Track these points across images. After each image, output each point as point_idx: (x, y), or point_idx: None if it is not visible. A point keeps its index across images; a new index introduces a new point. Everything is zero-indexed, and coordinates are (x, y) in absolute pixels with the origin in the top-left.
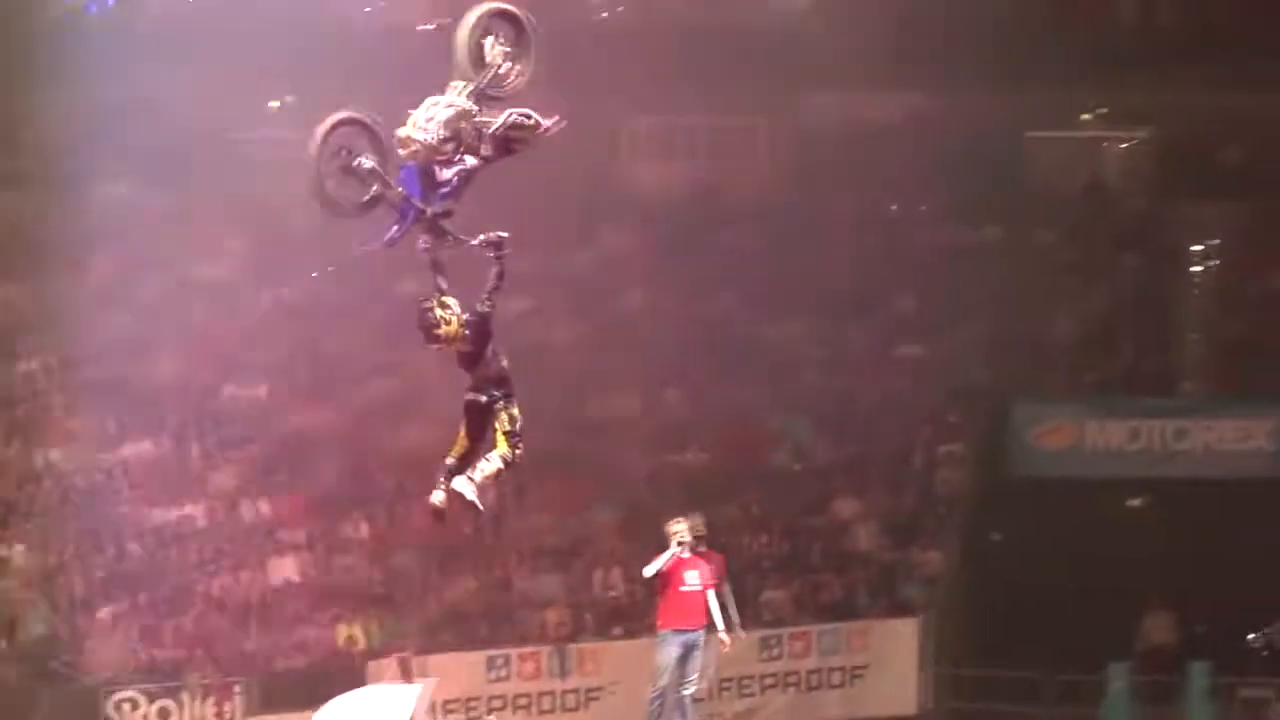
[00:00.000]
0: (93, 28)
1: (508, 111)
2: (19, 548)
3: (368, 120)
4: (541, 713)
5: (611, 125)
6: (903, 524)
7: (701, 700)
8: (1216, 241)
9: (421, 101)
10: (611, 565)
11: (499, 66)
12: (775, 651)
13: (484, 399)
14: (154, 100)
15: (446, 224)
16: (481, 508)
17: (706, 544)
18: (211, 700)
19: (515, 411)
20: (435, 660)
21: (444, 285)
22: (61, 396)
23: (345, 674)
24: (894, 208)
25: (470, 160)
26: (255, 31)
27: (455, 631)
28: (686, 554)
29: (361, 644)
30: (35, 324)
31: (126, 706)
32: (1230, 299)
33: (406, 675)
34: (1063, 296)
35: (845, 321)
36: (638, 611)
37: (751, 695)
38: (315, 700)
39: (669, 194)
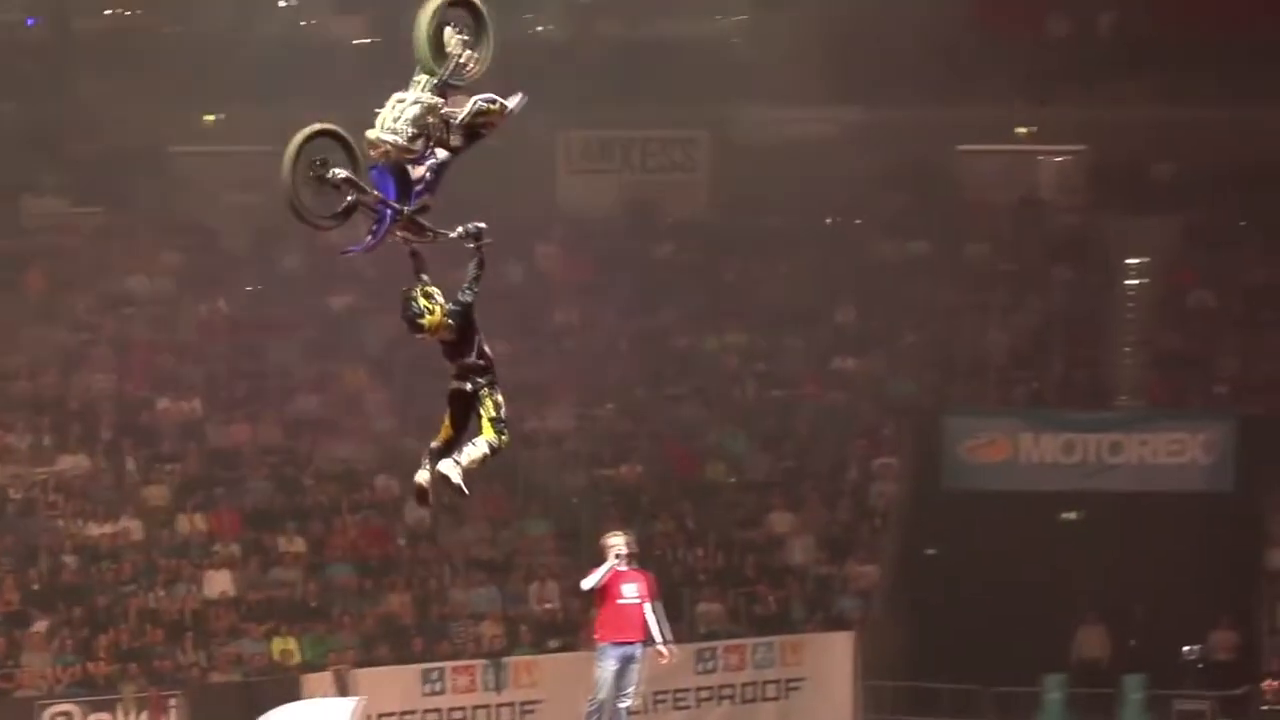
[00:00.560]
0: (26, 43)
1: (473, 100)
2: None
3: (340, 131)
4: None
5: (547, 139)
6: (838, 538)
7: (635, 713)
8: (1149, 256)
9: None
10: (546, 578)
11: (459, 56)
12: (710, 664)
13: (468, 387)
14: (87, 115)
15: (423, 219)
16: (467, 491)
17: (637, 563)
18: (146, 713)
19: (499, 398)
20: (370, 674)
21: (426, 276)
22: None
23: (279, 687)
24: (829, 221)
25: (441, 153)
26: (189, 47)
27: (390, 645)
28: (624, 566)
29: (296, 657)
30: None
31: None
32: (1164, 312)
33: (341, 689)
34: (996, 310)
35: (781, 335)
36: (573, 624)
37: (687, 708)
38: (249, 714)
39: (605, 208)
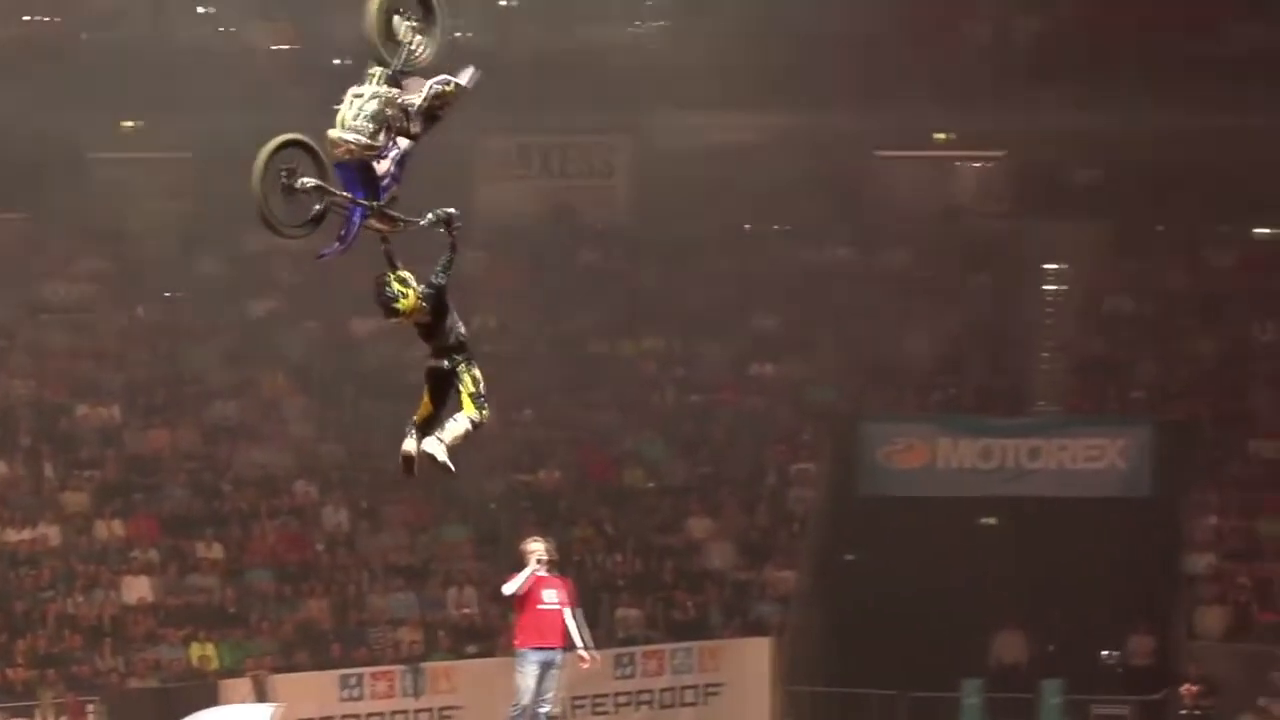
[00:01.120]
0: None
1: (429, 85)
2: None
3: (306, 140)
4: None
5: (466, 145)
6: (756, 543)
7: (555, 719)
8: (1068, 263)
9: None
10: (465, 584)
11: (410, 43)
12: (629, 670)
13: (445, 365)
14: (5, 121)
15: (393, 209)
16: (453, 468)
17: (557, 568)
18: (65, 719)
19: (477, 373)
20: (288, 679)
21: (397, 261)
22: None
23: (198, 693)
24: (748, 227)
25: (404, 142)
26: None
27: (308, 651)
28: (544, 572)
29: (214, 663)
30: None
31: None
32: (1082, 318)
33: (260, 694)
34: (915, 316)
35: (699, 341)
36: (491, 630)
37: (605, 713)
38: (168, 719)
39: (525, 214)
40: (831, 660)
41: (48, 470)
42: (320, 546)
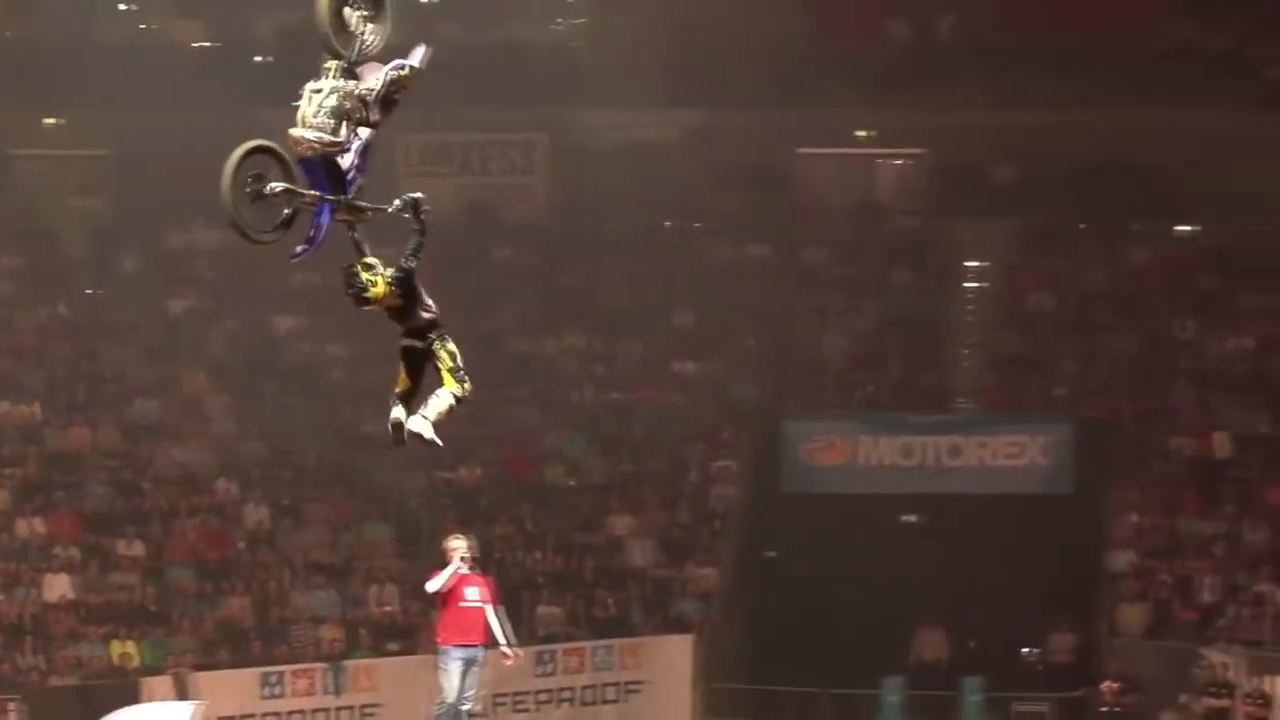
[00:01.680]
0: None
1: (385, 72)
2: None
3: (271, 145)
4: None
5: (386, 142)
6: (677, 540)
7: (476, 716)
8: (988, 260)
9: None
10: (386, 582)
11: (363, 33)
12: (550, 667)
13: (419, 344)
14: None
15: (360, 200)
16: (441, 444)
17: (479, 566)
18: None
19: (452, 347)
20: (210, 677)
21: (365, 249)
22: None
23: (119, 691)
24: (668, 225)
25: (365, 132)
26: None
27: (229, 648)
28: (467, 570)
29: (135, 661)
30: None
31: None
32: (1002, 316)
33: (181, 692)
34: (835, 313)
35: (619, 338)
36: (412, 628)
37: (526, 711)
38: (89, 717)
39: (443, 211)
40: (752, 657)
41: None
42: (241, 544)
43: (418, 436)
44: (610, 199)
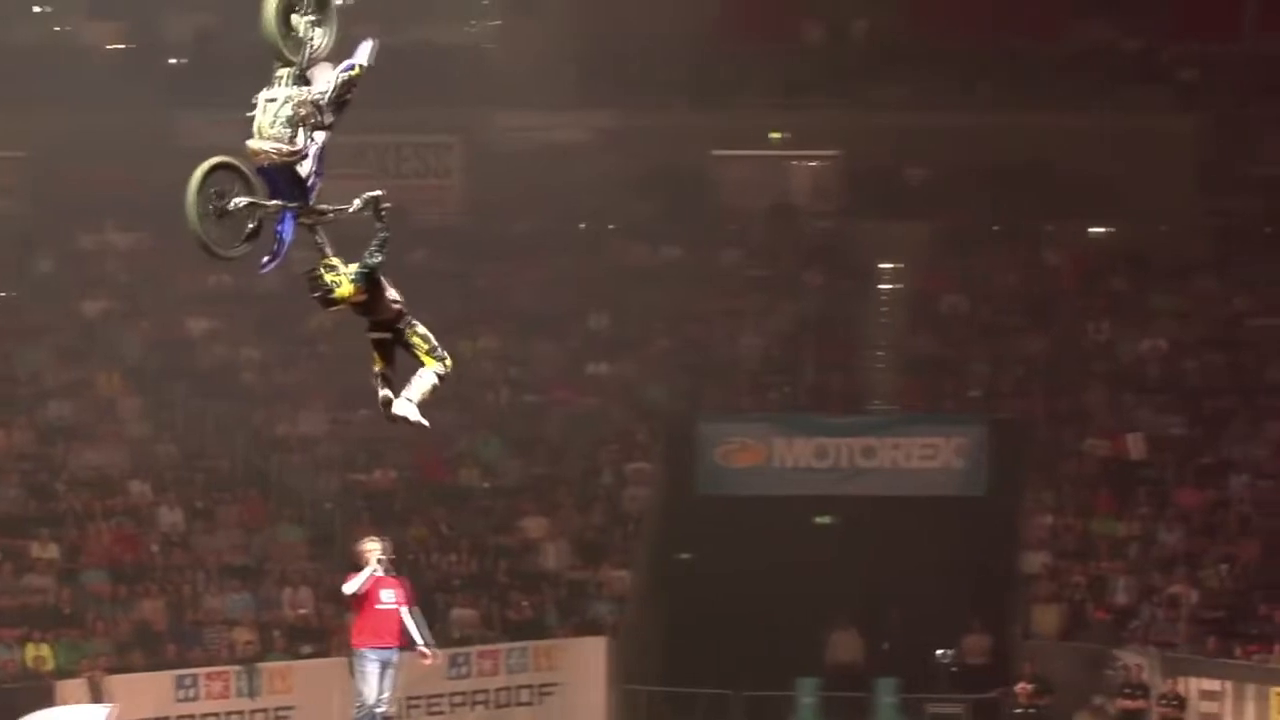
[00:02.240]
0: None
1: (337, 74)
2: None
3: (231, 161)
4: None
5: None
6: (591, 542)
7: (391, 719)
8: (901, 261)
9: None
10: (300, 584)
11: (311, 39)
12: (464, 670)
13: (388, 335)
14: None
15: (322, 204)
16: (427, 424)
17: (393, 569)
18: None
19: (422, 329)
20: (124, 680)
21: (328, 250)
22: None
23: (33, 694)
24: (582, 227)
25: (320, 136)
26: None
27: (144, 651)
28: (382, 572)
29: (49, 664)
30: None
31: None
32: (916, 317)
33: (95, 695)
34: (750, 315)
35: (534, 341)
36: (326, 630)
37: (441, 713)
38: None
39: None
40: (667, 659)
41: None
42: (155, 547)
43: (404, 419)
44: (524, 201)
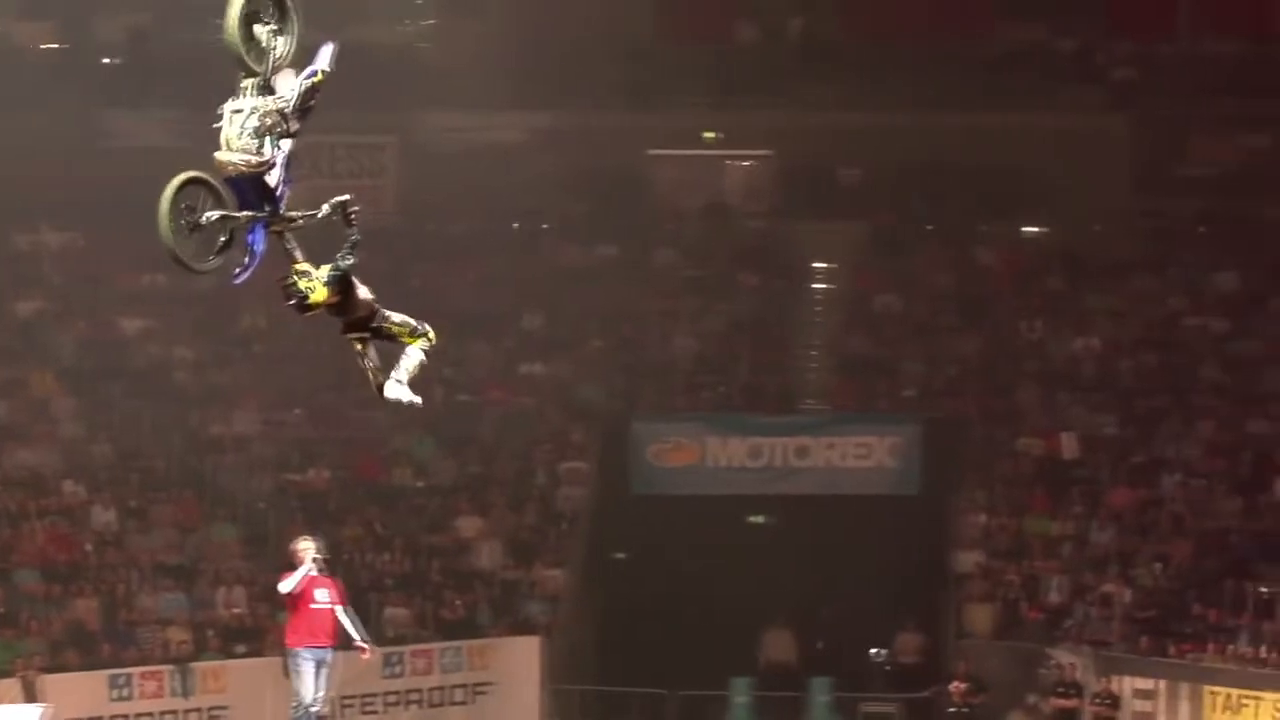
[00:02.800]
0: None
1: (300, 82)
2: None
3: (201, 175)
4: None
5: None
6: (525, 542)
7: (324, 719)
8: (835, 261)
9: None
10: (234, 584)
11: (274, 47)
12: (398, 669)
13: (366, 334)
14: None
15: (291, 211)
16: (420, 402)
17: (326, 568)
18: None
19: (397, 317)
20: (58, 680)
21: (298, 255)
22: None
23: None
24: (516, 227)
25: (286, 144)
26: None
27: (77, 651)
28: (316, 572)
29: None
30: None
31: None
32: (850, 317)
33: (29, 695)
34: (684, 315)
35: (468, 340)
36: (260, 630)
37: (374, 713)
38: None
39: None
40: (601, 659)
41: None
42: (89, 546)
43: (397, 402)
44: (459, 201)
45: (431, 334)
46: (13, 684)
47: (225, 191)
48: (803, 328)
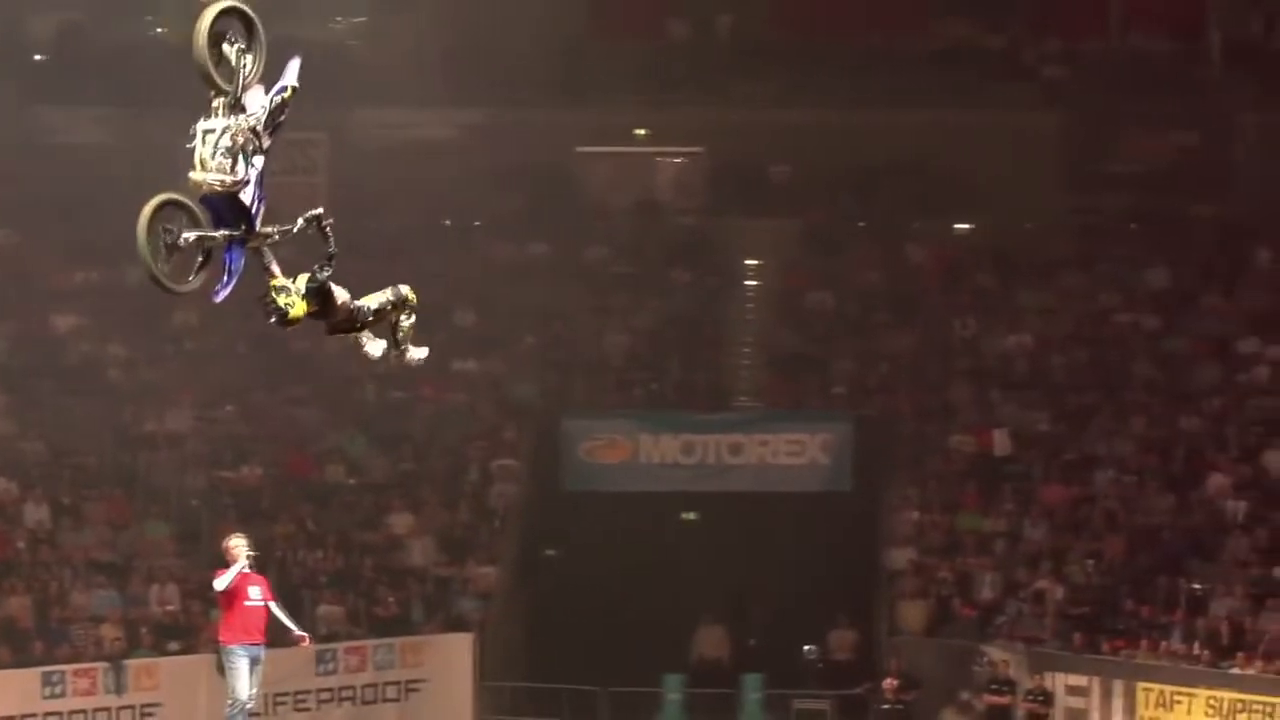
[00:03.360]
0: None
1: (269, 99)
2: None
3: (175, 197)
4: None
5: (167, 139)
6: (457, 539)
7: (255, 715)
8: (766, 259)
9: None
10: (167, 581)
11: (243, 66)
12: (330, 666)
13: (350, 332)
14: None
15: (266, 227)
16: (428, 350)
17: (258, 565)
18: None
19: (375, 305)
20: None
21: (275, 270)
22: None
23: None
24: (448, 223)
25: (259, 160)
26: None
27: (10, 648)
28: (249, 568)
29: None
30: None
31: None
32: (781, 314)
33: None
34: (615, 312)
35: None
36: (193, 627)
37: (307, 710)
38: None
39: None
40: (533, 656)
41: None
42: (21, 544)
43: (414, 362)
44: (390, 198)
45: (411, 295)
46: None
47: (200, 211)
48: (734, 325)
